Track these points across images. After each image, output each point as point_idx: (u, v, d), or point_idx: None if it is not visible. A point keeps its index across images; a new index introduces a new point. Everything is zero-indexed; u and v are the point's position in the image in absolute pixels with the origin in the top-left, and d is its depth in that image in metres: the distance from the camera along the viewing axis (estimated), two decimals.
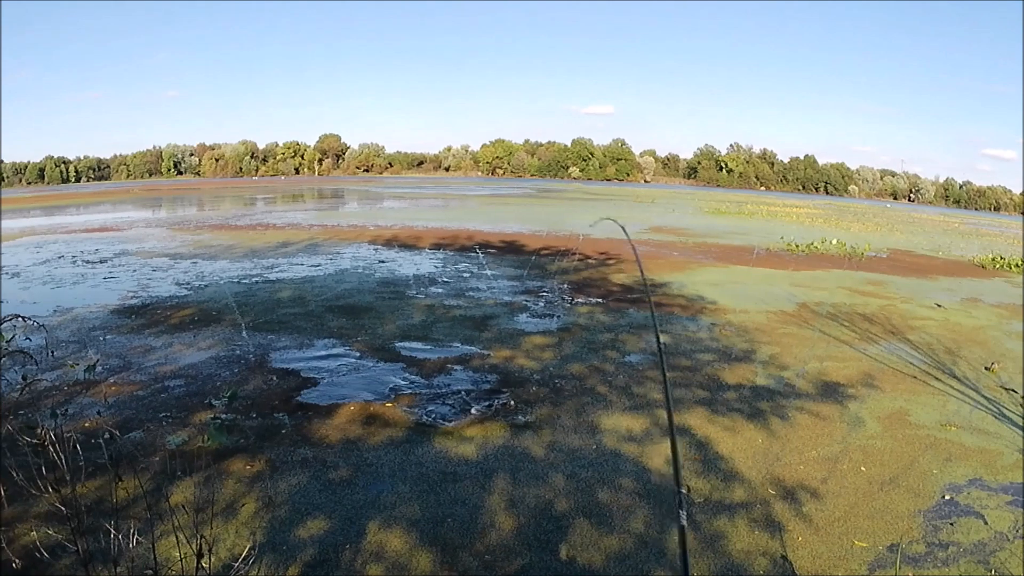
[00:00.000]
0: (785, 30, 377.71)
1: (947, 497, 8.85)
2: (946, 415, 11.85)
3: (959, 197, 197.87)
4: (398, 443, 10.02)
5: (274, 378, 12.80)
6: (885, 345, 16.33)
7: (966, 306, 22.47)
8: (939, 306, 21.84)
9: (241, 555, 6.25)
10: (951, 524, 8.15)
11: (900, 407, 12.12)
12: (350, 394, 12.03)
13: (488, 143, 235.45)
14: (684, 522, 3.83)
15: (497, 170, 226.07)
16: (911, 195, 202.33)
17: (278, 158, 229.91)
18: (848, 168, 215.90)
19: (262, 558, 6.83)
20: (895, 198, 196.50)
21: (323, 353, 14.47)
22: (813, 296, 22.32)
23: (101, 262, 27.37)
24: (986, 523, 8.25)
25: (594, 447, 10.03)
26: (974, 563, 7.34)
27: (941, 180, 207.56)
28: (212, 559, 4.93)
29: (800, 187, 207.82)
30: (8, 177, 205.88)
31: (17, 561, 4.97)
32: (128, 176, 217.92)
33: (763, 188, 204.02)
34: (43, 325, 8.06)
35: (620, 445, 10.12)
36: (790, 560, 7.26)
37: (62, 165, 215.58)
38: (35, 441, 4.74)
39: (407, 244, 33.79)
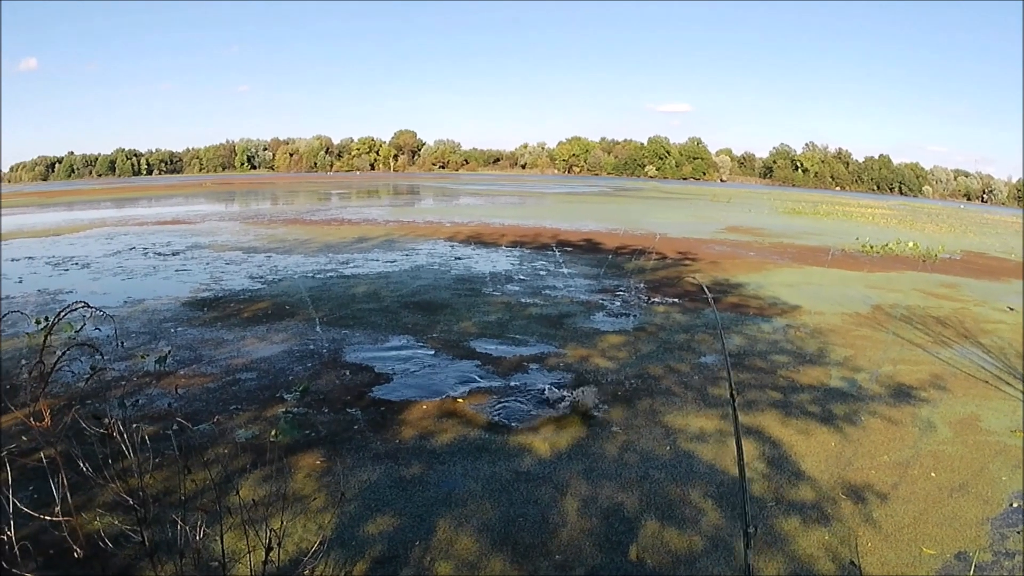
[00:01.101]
0: (859, 27, 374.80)
1: (1015, 505, 8.67)
2: (1016, 421, 11.59)
3: None
4: (471, 441, 9.99)
5: (347, 373, 12.80)
6: (957, 349, 16.04)
7: None
8: (1011, 309, 21.37)
9: (310, 550, 6.22)
10: (1018, 532, 7.97)
11: (971, 412, 11.90)
12: (424, 391, 12.01)
13: (564, 140, 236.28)
14: (751, 561, 3.69)
15: (573, 168, 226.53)
16: (984, 196, 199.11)
17: (353, 153, 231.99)
18: (922, 168, 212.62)
19: (331, 553, 6.83)
20: (968, 199, 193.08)
21: (397, 349, 14.45)
22: (887, 298, 22.01)
23: (173, 254, 27.68)
24: None
25: (668, 448, 9.93)
26: None
27: (1014, 180, 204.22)
28: (280, 553, 4.87)
29: (875, 187, 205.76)
30: (78, 169, 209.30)
31: (79, 550, 4.93)
32: (200, 169, 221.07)
33: (838, 188, 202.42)
34: (111, 316, 8.13)
35: (694, 447, 10.01)
36: (858, 565, 7.14)
37: (133, 158, 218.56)
38: (102, 430, 4.71)
39: (483, 241, 33.80)
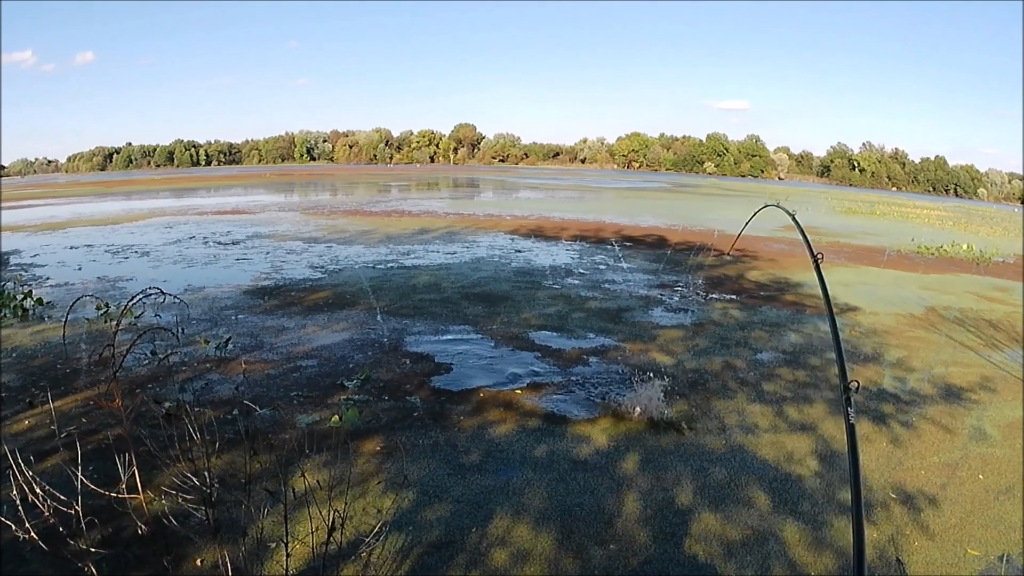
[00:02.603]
0: (916, 27, 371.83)
1: None
2: None
3: None
4: (529, 431, 10.06)
5: (407, 362, 12.92)
6: (1009, 353, 15.89)
7: None
8: None
9: (369, 533, 6.29)
10: None
11: (1020, 416, 11.81)
12: (483, 381, 12.09)
13: (623, 136, 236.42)
14: (853, 420, 3.71)
15: (632, 163, 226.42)
16: None
17: (413, 146, 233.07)
18: (977, 170, 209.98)
19: (390, 536, 6.91)
20: (1023, 202, 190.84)
21: (458, 339, 14.57)
22: (941, 300, 21.82)
23: (233, 243, 27.95)
24: None
25: (724, 442, 9.98)
26: None
27: None
28: (340, 535, 4.95)
29: (930, 188, 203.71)
30: (136, 159, 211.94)
31: (143, 527, 5.01)
32: (259, 161, 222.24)
33: (894, 188, 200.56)
34: (180, 299, 8.19)
35: (748, 441, 10.08)
36: (904, 563, 7.19)
37: (192, 149, 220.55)
38: (169, 412, 4.80)
39: (543, 234, 33.99)
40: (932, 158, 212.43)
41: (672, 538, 7.39)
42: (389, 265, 23.33)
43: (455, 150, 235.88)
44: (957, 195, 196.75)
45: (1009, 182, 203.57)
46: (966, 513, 8.33)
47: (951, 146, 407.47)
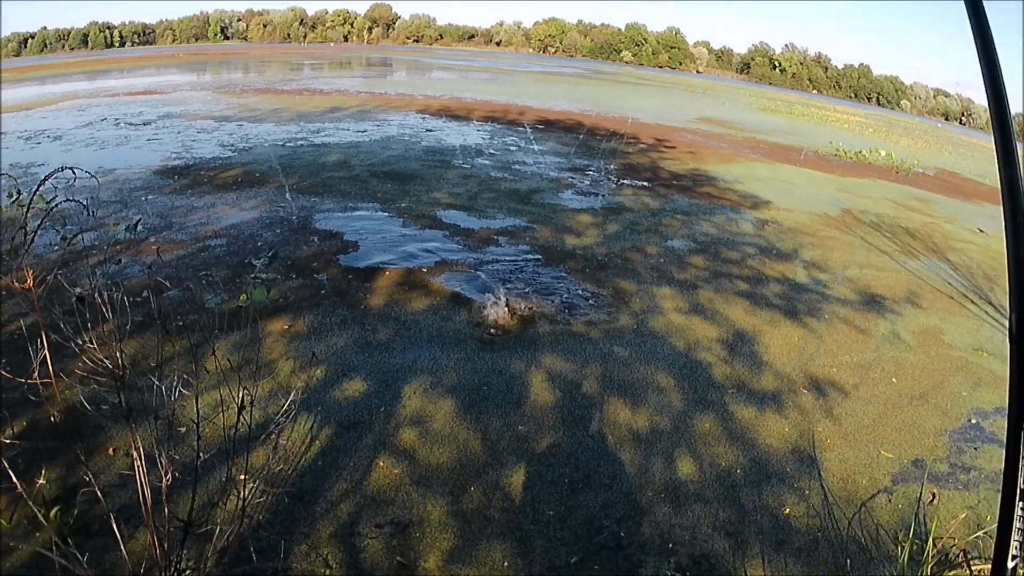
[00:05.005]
0: None
1: (973, 421, 8.81)
2: (979, 340, 11.68)
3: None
4: (437, 310, 10.15)
5: (316, 240, 12.90)
6: (925, 261, 16.11)
7: None
8: (981, 231, 21.22)
9: (279, 412, 6.31)
10: (975, 448, 8.12)
11: (935, 325, 12.03)
12: (391, 259, 12.13)
13: (541, 21, 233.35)
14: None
15: (548, 48, 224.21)
16: (962, 118, 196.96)
17: (327, 25, 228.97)
18: (902, 82, 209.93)
19: (299, 417, 6.97)
20: (946, 119, 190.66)
21: (366, 218, 14.56)
22: (858, 204, 22.00)
23: (144, 124, 27.22)
24: None
25: (633, 327, 10.16)
26: (993, 491, 7.24)
27: None
28: (251, 416, 4.95)
29: (852, 95, 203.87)
30: (51, 43, 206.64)
31: (56, 414, 4.98)
32: (174, 41, 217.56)
33: (815, 91, 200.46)
34: (93, 176, 8.10)
35: (657, 325, 10.29)
36: (818, 461, 7.33)
37: (106, 31, 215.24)
38: (80, 295, 4.72)
39: (455, 115, 33.72)
40: (856, 65, 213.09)
41: (580, 422, 7.54)
42: (299, 143, 23.09)
43: (370, 29, 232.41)
44: (880, 104, 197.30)
45: (934, 97, 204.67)
46: (879, 415, 8.53)
47: (877, 57, 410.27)
